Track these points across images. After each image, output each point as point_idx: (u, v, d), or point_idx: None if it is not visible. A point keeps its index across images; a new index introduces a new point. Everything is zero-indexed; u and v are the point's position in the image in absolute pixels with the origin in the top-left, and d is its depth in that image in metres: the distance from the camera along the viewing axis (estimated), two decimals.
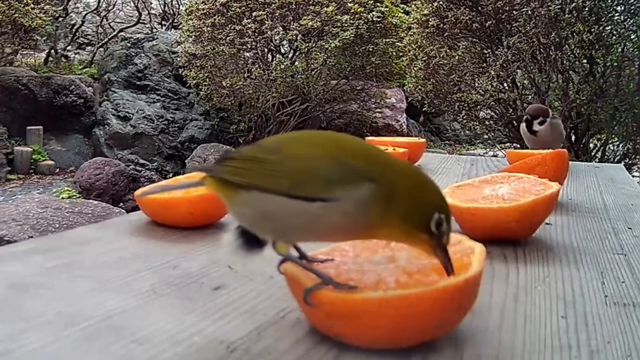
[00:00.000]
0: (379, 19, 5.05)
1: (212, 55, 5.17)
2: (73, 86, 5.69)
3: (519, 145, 3.87)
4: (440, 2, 4.09)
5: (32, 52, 6.51)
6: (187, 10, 5.54)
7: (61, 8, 6.36)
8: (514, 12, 3.81)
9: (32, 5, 5.24)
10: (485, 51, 4.09)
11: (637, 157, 4.21)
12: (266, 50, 5.38)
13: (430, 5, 4.20)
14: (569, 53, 3.78)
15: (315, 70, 5.16)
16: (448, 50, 4.28)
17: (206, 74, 5.30)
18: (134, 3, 7.52)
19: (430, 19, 4.19)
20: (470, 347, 0.39)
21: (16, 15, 5.11)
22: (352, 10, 4.97)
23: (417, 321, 0.36)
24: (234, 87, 5.13)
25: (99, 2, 7.32)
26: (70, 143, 5.71)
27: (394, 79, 5.82)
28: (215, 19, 5.06)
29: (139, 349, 0.37)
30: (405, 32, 4.95)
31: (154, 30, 7.39)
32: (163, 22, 8.01)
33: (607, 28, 3.78)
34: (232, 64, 5.22)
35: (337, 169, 0.36)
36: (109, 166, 4.60)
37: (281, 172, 0.37)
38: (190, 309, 0.43)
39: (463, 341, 0.40)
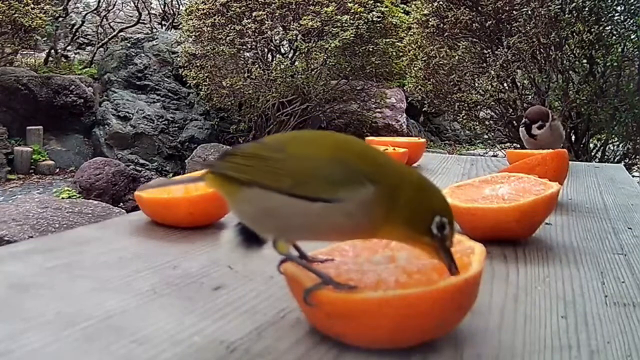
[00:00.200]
0: (379, 19, 5.05)
1: (212, 55, 5.17)
2: (73, 86, 5.69)
3: (519, 145, 3.86)
4: (440, 2, 4.08)
5: (32, 52, 6.51)
6: (187, 10, 5.54)
7: (61, 8, 6.36)
8: (514, 12, 3.81)
9: (32, 5, 5.24)
10: (485, 51, 4.09)
11: (637, 157, 4.21)
12: (266, 50, 5.38)
13: (430, 5, 4.20)
14: (569, 53, 3.78)
15: (315, 70, 5.16)
16: (448, 50, 4.28)
17: (206, 74, 5.30)
18: (134, 3, 7.52)
19: (430, 19, 4.19)
20: (470, 347, 0.39)
21: (16, 15, 5.11)
22: (352, 10, 4.97)
23: (417, 321, 0.36)
24: (234, 87, 5.13)
25: (99, 2, 7.32)
26: (70, 143, 5.71)
27: (394, 79, 5.82)
28: (215, 19, 5.06)
29: (139, 349, 0.37)
30: (405, 32, 4.95)
31: (154, 30, 7.39)
32: (163, 22, 8.01)
33: (607, 28, 3.78)
34: (232, 64, 5.22)
35: (339, 169, 0.36)
36: (109, 166, 4.60)
37: (283, 171, 0.37)
38: (190, 309, 0.43)
39: (463, 341, 0.40)
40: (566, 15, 3.56)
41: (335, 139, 0.39)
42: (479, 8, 3.95)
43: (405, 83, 5.39)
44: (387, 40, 5.26)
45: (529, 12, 3.65)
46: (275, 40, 5.29)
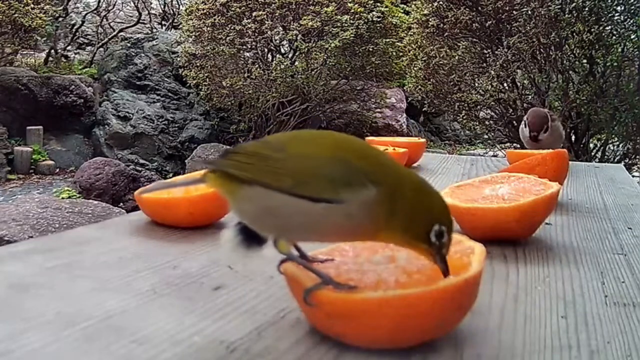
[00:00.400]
0: (379, 19, 5.05)
1: (212, 55, 5.17)
2: (73, 86, 5.69)
3: (519, 145, 3.86)
4: (440, 2, 4.08)
5: (32, 52, 6.51)
6: (187, 10, 5.54)
7: (61, 8, 6.36)
8: (514, 12, 3.81)
9: (32, 5, 5.24)
10: (485, 51, 4.09)
11: (637, 157, 4.21)
12: (266, 50, 5.38)
13: (430, 5, 4.20)
14: (569, 53, 3.77)
15: (315, 70, 5.16)
16: (448, 50, 4.28)
17: (206, 74, 5.30)
18: (134, 3, 7.51)
19: (430, 19, 4.19)
20: (470, 347, 0.39)
21: (16, 15, 5.11)
22: (352, 10, 4.97)
23: (417, 321, 0.36)
24: (234, 87, 5.13)
25: (99, 2, 7.32)
26: (70, 143, 5.71)
27: (394, 79, 5.82)
28: (215, 19, 5.06)
29: (139, 349, 0.37)
30: (405, 32, 4.95)
31: (154, 30, 7.39)
32: (163, 22, 8.01)
33: (607, 28, 3.78)
34: (232, 64, 5.22)
35: (340, 168, 0.36)
36: (109, 166, 4.60)
37: (285, 170, 0.37)
38: (190, 309, 0.43)
39: (463, 341, 0.40)
40: (566, 15, 3.56)
41: (336, 138, 0.39)
42: (479, 8, 3.95)
43: (405, 83, 5.39)
44: (387, 40, 5.26)
45: (529, 12, 3.64)
46: (275, 40, 5.29)
